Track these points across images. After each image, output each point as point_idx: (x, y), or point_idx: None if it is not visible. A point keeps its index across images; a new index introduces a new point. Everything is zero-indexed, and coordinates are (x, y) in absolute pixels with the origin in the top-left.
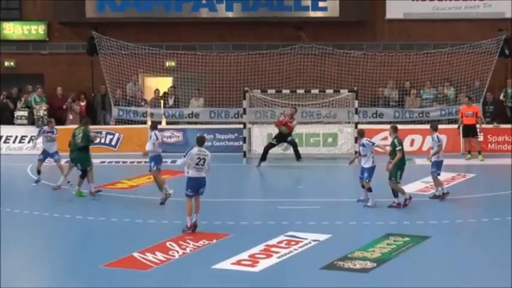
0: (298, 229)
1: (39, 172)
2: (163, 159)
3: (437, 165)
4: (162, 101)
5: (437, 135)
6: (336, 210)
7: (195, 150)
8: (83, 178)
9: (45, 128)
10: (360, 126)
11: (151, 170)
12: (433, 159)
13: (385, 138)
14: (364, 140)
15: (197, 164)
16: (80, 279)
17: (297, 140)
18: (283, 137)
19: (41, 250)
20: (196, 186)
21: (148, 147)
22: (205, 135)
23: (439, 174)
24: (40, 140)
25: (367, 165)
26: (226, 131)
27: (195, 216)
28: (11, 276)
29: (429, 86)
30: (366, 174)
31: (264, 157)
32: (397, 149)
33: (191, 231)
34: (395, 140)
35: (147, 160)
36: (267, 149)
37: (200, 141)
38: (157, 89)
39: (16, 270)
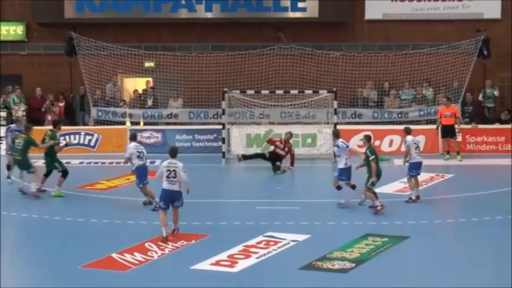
0: (277, 229)
1: (8, 167)
2: None
3: (414, 167)
4: (140, 97)
5: (405, 139)
6: (315, 211)
7: (166, 162)
8: (47, 177)
9: (13, 126)
10: (339, 127)
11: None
12: (409, 161)
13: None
14: (340, 142)
15: (168, 176)
16: (59, 280)
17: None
18: (276, 157)
19: (19, 251)
20: (168, 198)
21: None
22: (178, 145)
23: (413, 176)
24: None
25: (340, 166)
26: (205, 131)
27: (173, 225)
28: None
29: (408, 86)
30: (337, 174)
31: (249, 157)
32: (370, 159)
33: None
34: (368, 151)
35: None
36: (256, 156)
37: (172, 153)
38: (136, 90)
39: None
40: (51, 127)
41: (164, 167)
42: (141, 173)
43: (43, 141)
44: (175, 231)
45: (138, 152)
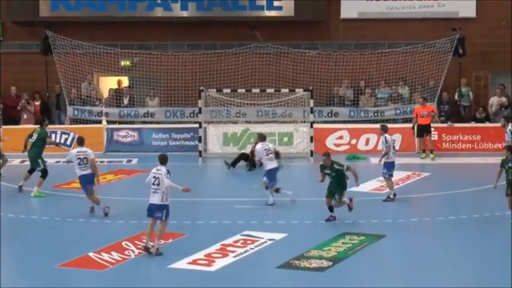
0: (254, 228)
1: None
2: (120, 159)
3: (388, 166)
4: (116, 96)
5: (385, 137)
6: (292, 210)
7: (154, 169)
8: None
9: None
10: (315, 126)
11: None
12: (383, 160)
13: (340, 138)
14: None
15: (153, 183)
16: (35, 280)
17: (252, 140)
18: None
19: None
20: (150, 210)
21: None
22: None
23: (391, 175)
24: None
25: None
26: (182, 130)
27: (151, 241)
28: None
29: (384, 85)
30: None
31: (236, 162)
32: (345, 170)
33: (145, 251)
34: (335, 165)
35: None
36: (240, 158)
37: (161, 160)
38: (111, 88)
39: None
40: (35, 126)
41: (152, 173)
42: (83, 180)
43: (30, 136)
44: (152, 249)
45: (79, 159)
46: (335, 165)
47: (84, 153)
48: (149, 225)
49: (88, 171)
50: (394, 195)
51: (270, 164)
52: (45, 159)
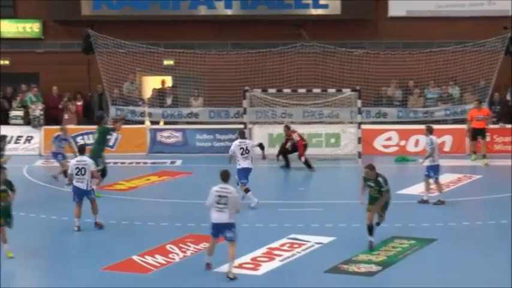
0: (301, 232)
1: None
2: (163, 160)
3: (433, 170)
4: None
5: (431, 138)
6: (340, 213)
7: (216, 187)
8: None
9: (60, 134)
10: (363, 127)
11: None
12: (427, 162)
13: (388, 139)
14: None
15: (218, 202)
16: (80, 283)
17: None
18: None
19: (39, 252)
20: (218, 230)
21: None
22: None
23: (437, 179)
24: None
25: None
26: (227, 131)
27: (229, 265)
28: (10, 276)
29: (433, 85)
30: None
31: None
32: (383, 189)
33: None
34: (380, 179)
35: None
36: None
37: (223, 177)
38: (154, 88)
39: (15, 271)
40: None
41: (214, 191)
42: (77, 193)
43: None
44: (229, 275)
45: (77, 168)
46: (380, 179)
47: (83, 163)
48: (211, 244)
49: (84, 184)
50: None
51: (243, 163)
52: (105, 160)
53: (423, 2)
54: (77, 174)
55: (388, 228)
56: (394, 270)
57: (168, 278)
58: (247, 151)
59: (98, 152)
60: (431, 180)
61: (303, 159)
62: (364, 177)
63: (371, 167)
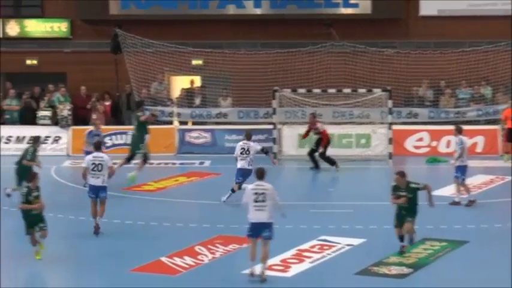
0: (331, 233)
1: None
2: (192, 161)
3: (461, 171)
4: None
5: (460, 138)
6: (370, 214)
7: (252, 185)
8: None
9: (93, 130)
10: (394, 127)
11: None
12: (457, 163)
13: (420, 139)
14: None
15: (256, 201)
16: (108, 284)
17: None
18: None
19: (68, 253)
20: (256, 230)
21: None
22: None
23: (464, 180)
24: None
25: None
26: (256, 131)
27: (261, 266)
28: (38, 277)
29: (465, 85)
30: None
31: (316, 165)
32: (421, 187)
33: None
34: (412, 184)
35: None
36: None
37: (259, 174)
38: (183, 88)
39: (43, 272)
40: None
41: (250, 189)
42: (93, 190)
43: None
44: (262, 276)
45: (93, 164)
46: (411, 185)
47: (100, 159)
48: (252, 247)
49: (100, 180)
50: (472, 201)
51: (240, 163)
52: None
53: (455, 1)
54: (93, 170)
55: (420, 230)
56: (426, 273)
57: (196, 280)
58: (247, 152)
59: (138, 138)
60: (460, 181)
61: (321, 149)
62: (394, 186)
63: (402, 174)
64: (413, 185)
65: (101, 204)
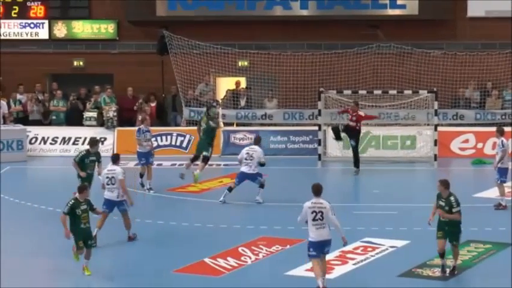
0: (374, 235)
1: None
2: (236, 162)
3: (500, 172)
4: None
5: (501, 140)
6: (414, 216)
7: (308, 203)
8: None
9: (142, 126)
10: (439, 129)
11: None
12: (498, 165)
13: (465, 141)
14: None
15: (314, 219)
16: (152, 285)
17: (373, 143)
18: (349, 130)
19: (112, 254)
20: (319, 249)
21: None
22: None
23: (504, 182)
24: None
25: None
26: (301, 133)
27: (322, 278)
28: (80, 275)
29: None
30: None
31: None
32: (454, 210)
33: None
34: (452, 198)
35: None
36: (337, 134)
37: (315, 191)
38: (228, 89)
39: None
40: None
41: (307, 208)
42: (108, 205)
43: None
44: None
45: (107, 178)
46: (451, 198)
47: (113, 172)
48: (315, 265)
49: (115, 194)
50: (502, 206)
51: (243, 168)
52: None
53: (503, 2)
54: (107, 184)
55: (464, 232)
56: (470, 275)
57: (239, 281)
58: (251, 158)
59: (208, 140)
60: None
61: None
62: (438, 193)
63: (445, 184)
64: (452, 199)
65: (124, 217)
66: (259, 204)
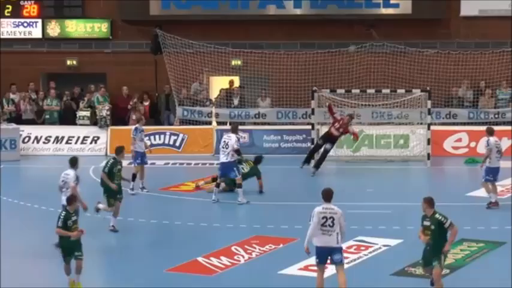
0: (368, 234)
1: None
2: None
3: (490, 172)
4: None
5: (488, 140)
6: (408, 215)
7: (319, 208)
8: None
9: (138, 126)
10: (433, 128)
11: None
12: (486, 164)
13: (458, 140)
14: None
15: (323, 225)
16: (144, 284)
17: (366, 142)
18: (330, 138)
19: (105, 252)
20: (324, 255)
21: None
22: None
23: (490, 181)
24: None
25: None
26: (294, 132)
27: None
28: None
29: (505, 85)
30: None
31: (308, 160)
32: (447, 224)
33: None
34: (438, 215)
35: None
36: (314, 150)
37: (326, 196)
38: (222, 89)
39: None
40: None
41: (318, 212)
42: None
43: None
44: None
45: (62, 181)
46: (436, 215)
47: (66, 176)
48: (319, 275)
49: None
50: (492, 203)
51: (220, 157)
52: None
53: (496, 1)
54: (62, 188)
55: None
56: (463, 274)
57: (233, 280)
58: (227, 146)
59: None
60: (483, 181)
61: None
62: (423, 215)
63: (427, 201)
64: (438, 216)
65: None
66: (248, 204)
